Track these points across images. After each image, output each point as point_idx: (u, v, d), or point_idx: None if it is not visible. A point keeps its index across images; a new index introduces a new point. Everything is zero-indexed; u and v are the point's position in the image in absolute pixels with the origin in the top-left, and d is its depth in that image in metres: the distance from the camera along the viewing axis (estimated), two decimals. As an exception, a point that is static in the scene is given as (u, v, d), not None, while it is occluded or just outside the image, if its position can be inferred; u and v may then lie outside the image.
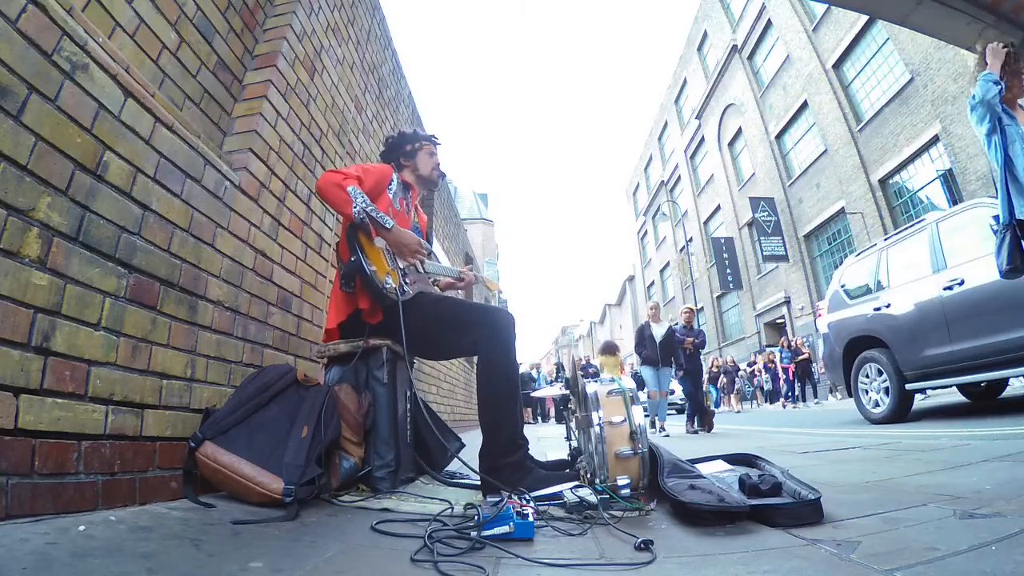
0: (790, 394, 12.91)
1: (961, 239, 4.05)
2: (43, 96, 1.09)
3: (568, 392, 2.06)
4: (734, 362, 16.13)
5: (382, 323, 1.90)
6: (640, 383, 6.23)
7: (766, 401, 15.31)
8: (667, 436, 5.66)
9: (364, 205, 1.79)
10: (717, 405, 15.16)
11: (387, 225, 1.85)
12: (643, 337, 6.39)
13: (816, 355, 11.90)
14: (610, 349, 8.02)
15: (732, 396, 14.63)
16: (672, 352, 6.32)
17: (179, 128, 1.53)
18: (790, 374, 12.81)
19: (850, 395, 5.22)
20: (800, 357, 12.26)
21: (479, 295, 8.88)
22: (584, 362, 10.02)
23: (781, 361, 13.20)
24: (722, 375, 15.23)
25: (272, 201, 2.13)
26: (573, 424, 2.01)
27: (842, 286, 5.40)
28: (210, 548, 1.02)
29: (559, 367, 9.89)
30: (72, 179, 1.16)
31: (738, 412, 12.91)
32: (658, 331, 6.31)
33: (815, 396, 12.36)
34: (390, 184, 2.04)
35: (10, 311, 1.00)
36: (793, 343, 13.23)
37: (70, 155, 1.15)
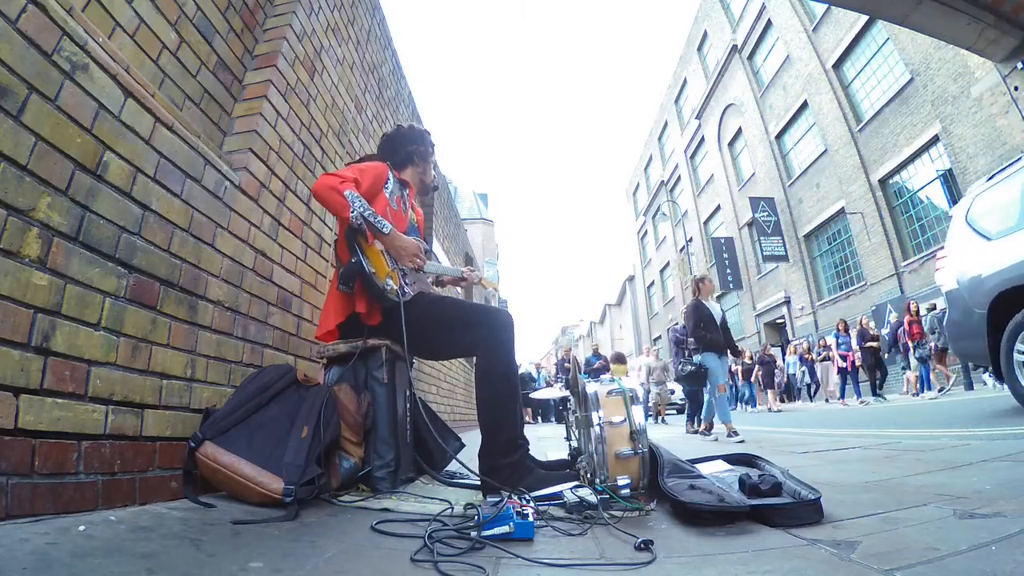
0: (848, 387, 10.50)
1: None
2: (43, 96, 1.09)
3: (568, 392, 2.06)
4: (771, 352, 13.07)
5: (381, 324, 1.90)
6: (701, 378, 4.94)
7: (781, 399, 13.11)
8: (742, 441, 4.16)
9: (362, 209, 1.78)
10: (752, 404, 13.18)
11: (384, 230, 1.84)
12: (700, 316, 5.04)
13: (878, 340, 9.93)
14: (620, 359, 8.79)
15: (770, 392, 12.02)
16: (729, 335, 5.14)
17: (179, 128, 1.53)
18: (851, 363, 10.32)
19: (997, 376, 3.85)
20: (869, 342, 9.94)
21: (479, 295, 8.88)
22: (592, 352, 9.93)
23: (838, 348, 10.68)
24: (757, 367, 12.48)
25: (272, 201, 2.13)
26: (573, 424, 2.01)
27: (970, 223, 3.86)
28: (210, 548, 1.02)
29: (560, 364, 9.72)
30: (72, 179, 1.16)
31: (777, 411, 10.78)
32: (716, 309, 5.11)
33: (878, 390, 9.92)
34: (386, 183, 2.02)
35: (10, 311, 1.00)
36: (858, 323, 10.54)
37: (70, 155, 1.15)
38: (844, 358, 10.50)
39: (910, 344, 9.16)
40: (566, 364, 9.16)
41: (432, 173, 2.27)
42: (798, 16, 15.64)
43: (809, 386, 12.80)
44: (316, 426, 1.59)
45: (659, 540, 1.15)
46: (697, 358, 5.00)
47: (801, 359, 12.95)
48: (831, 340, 11.01)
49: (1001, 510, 1.21)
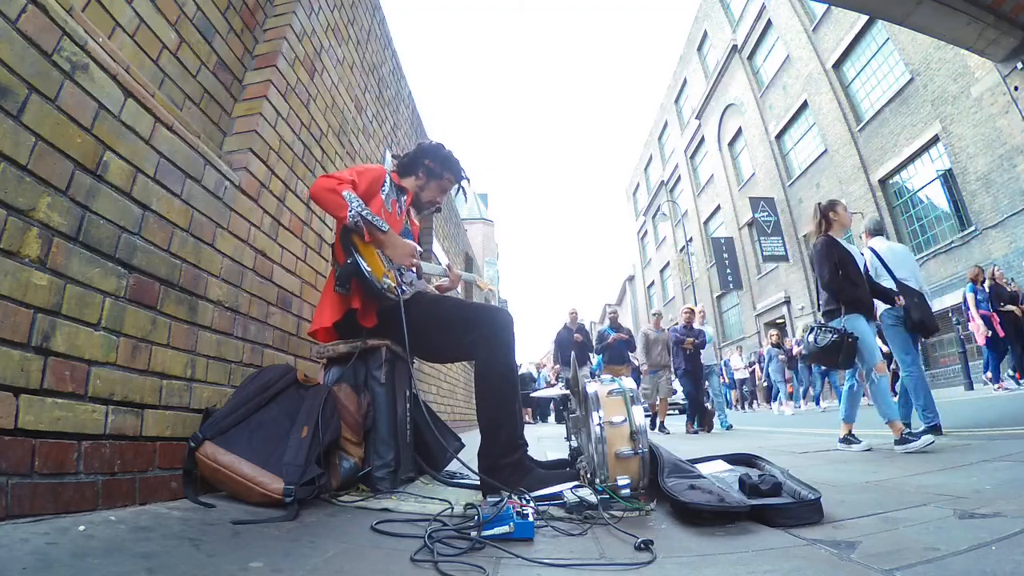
0: (992, 366, 7.13)
1: None
2: (43, 96, 1.09)
3: (568, 392, 2.06)
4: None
5: (380, 324, 1.89)
6: (849, 354, 3.00)
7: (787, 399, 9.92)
8: (924, 441, 2.66)
9: (359, 209, 1.79)
10: (817, 400, 9.82)
11: (383, 228, 1.85)
12: (833, 262, 3.17)
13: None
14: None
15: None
16: (888, 296, 3.36)
17: (179, 128, 1.53)
18: (997, 326, 6.88)
19: None
20: (1006, 303, 6.78)
21: (479, 295, 8.87)
22: (611, 318, 7.51)
23: (977, 307, 7.03)
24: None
25: (272, 201, 2.13)
26: (572, 424, 2.00)
27: None
28: (210, 548, 1.02)
29: (562, 340, 8.18)
30: (72, 179, 1.16)
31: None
32: (854, 250, 3.34)
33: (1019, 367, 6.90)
34: (383, 186, 2.03)
35: (10, 311, 1.00)
36: (991, 275, 7.11)
37: (70, 155, 1.15)
38: (988, 321, 6.89)
39: None
40: (576, 336, 8.01)
41: (434, 196, 2.22)
42: (798, 16, 15.64)
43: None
44: (316, 426, 1.59)
45: (659, 540, 1.15)
46: (838, 322, 3.09)
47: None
48: (969, 295, 7.21)
49: (1001, 510, 1.21)
